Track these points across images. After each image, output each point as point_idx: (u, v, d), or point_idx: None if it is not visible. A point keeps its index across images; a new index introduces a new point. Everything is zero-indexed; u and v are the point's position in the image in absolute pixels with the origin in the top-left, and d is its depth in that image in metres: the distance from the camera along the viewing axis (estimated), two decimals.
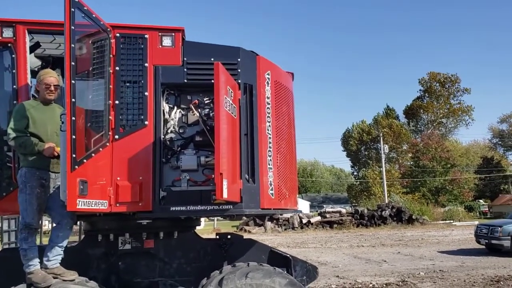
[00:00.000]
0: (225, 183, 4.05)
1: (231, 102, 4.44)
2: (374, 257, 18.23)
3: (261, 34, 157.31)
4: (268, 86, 5.18)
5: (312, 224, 38.02)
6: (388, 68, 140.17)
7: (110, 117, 4.53)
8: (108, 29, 4.61)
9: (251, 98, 4.92)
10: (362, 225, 37.16)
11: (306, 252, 20.97)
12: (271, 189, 4.99)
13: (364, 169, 68.98)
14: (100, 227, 5.26)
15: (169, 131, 4.87)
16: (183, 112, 4.95)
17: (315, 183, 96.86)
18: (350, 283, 12.19)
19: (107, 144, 4.48)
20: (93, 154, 4.28)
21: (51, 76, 4.68)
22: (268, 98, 5.16)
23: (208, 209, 4.61)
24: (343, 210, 40.71)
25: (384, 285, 11.67)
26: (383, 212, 37.81)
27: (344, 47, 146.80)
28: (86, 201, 4.11)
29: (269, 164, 5.02)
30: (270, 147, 5.06)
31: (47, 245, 4.51)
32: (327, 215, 38.88)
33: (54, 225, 4.57)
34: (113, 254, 5.29)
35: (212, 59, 4.74)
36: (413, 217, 38.02)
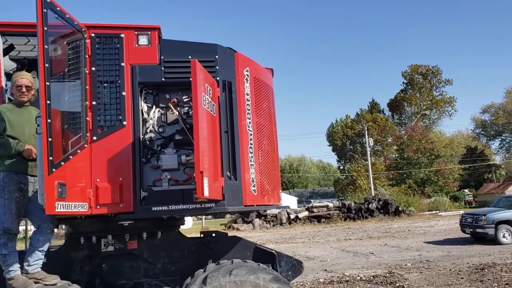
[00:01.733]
0: (205, 181, 4.02)
1: (209, 100, 4.41)
2: (362, 250, 18.36)
3: (240, 30, 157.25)
4: (247, 82, 5.16)
5: (300, 219, 38.15)
6: (373, 62, 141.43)
7: (88, 118, 4.47)
8: (83, 29, 4.55)
9: (230, 95, 4.90)
10: (349, 219, 37.39)
11: (294, 247, 21.03)
12: (253, 186, 4.98)
13: (349, 163, 69.44)
14: (82, 230, 5.20)
15: (148, 130, 4.83)
16: (162, 111, 4.90)
17: (302, 179, 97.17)
18: (338, 277, 12.26)
19: (85, 145, 4.42)
20: (70, 156, 4.22)
21: (23, 78, 4.61)
22: (247, 95, 5.14)
23: (190, 207, 4.58)
24: (331, 205, 40.89)
25: (371, 277, 11.75)
26: (370, 205, 38.09)
27: (327, 43, 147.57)
28: (65, 204, 4.05)
29: (250, 161, 5.00)
30: (251, 144, 5.05)
31: (28, 250, 4.45)
32: (315, 210, 39.02)
33: (34, 229, 4.50)
34: (96, 257, 5.24)
35: (190, 56, 4.71)
36: (400, 209, 38.34)
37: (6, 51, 5.01)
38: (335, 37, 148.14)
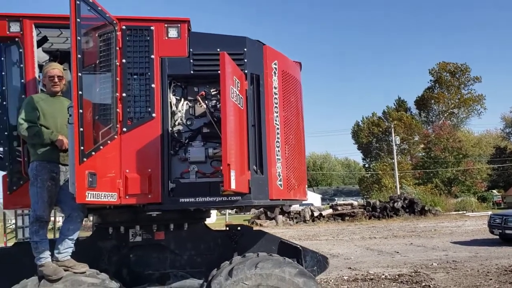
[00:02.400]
0: (232, 174, 4.04)
1: (237, 92, 4.42)
2: (387, 249, 18.16)
3: (269, 29, 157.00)
4: (275, 76, 5.14)
5: (323, 217, 37.99)
6: (400, 63, 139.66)
7: (118, 110, 4.53)
8: (114, 22, 4.60)
9: (258, 88, 4.89)
10: (374, 217, 37.04)
11: (318, 245, 20.95)
12: (280, 180, 4.97)
13: (375, 161, 68.78)
14: (111, 220, 5.28)
15: (176, 123, 4.86)
16: (190, 104, 4.93)
17: (326, 176, 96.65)
18: (362, 275, 12.15)
19: (115, 136, 4.49)
20: (101, 147, 4.29)
21: (54, 68, 4.70)
22: (275, 88, 5.12)
23: (217, 200, 4.60)
24: (355, 203, 40.60)
25: (396, 276, 11.61)
26: (395, 204, 37.63)
27: (351, 41, 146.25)
28: (95, 193, 4.12)
29: (277, 155, 5.00)
30: (278, 138, 5.04)
31: (58, 238, 4.54)
32: (339, 208, 38.79)
33: (65, 218, 4.59)
34: (124, 247, 5.32)
35: (218, 49, 4.71)
36: (426, 208, 37.77)
37: (39, 43, 5.10)
38: (361, 36, 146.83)
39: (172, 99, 4.86)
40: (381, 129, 68.55)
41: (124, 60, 4.64)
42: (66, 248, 4.47)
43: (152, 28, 4.74)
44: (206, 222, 5.84)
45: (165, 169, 4.60)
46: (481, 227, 23.27)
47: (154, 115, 4.63)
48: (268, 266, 4.43)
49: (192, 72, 4.76)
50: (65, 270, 4.39)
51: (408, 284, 10.52)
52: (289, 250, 5.54)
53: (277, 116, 5.07)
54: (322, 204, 53.93)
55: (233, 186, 4.04)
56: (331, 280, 11.51)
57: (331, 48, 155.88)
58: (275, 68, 5.16)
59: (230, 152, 4.01)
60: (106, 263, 5.30)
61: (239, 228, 5.70)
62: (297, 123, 5.57)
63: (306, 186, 5.78)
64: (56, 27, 4.96)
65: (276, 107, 5.08)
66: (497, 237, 18.53)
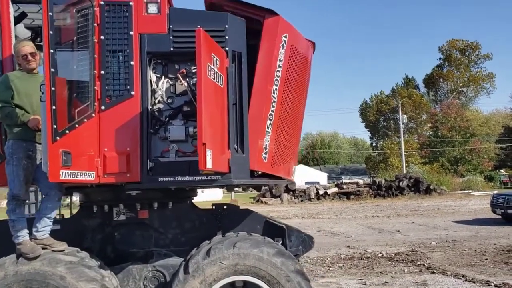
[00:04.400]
0: (209, 153, 3.98)
1: (216, 70, 4.32)
2: (388, 227, 18.19)
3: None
4: (282, 48, 5.03)
5: (328, 195, 38.09)
6: (409, 38, 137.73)
7: (96, 88, 4.45)
8: None
9: (240, 66, 4.79)
10: (379, 196, 37.08)
11: (320, 223, 21.03)
12: (265, 153, 4.90)
13: (382, 140, 68.44)
14: (95, 199, 5.27)
15: (156, 101, 4.78)
16: (171, 82, 4.84)
17: (334, 154, 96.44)
18: (360, 253, 12.20)
19: (93, 115, 4.42)
20: (77, 125, 4.23)
21: (25, 46, 4.60)
22: (280, 61, 5.01)
23: (196, 179, 4.54)
24: (361, 181, 40.63)
25: (393, 254, 11.65)
26: (401, 183, 37.59)
27: (361, 20, 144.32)
28: (71, 172, 4.09)
29: (267, 128, 4.92)
30: (272, 111, 4.95)
31: (36, 216, 4.53)
32: (344, 186, 38.83)
33: (43, 196, 4.58)
34: (108, 225, 5.31)
35: (199, 26, 4.58)
36: (431, 187, 37.71)
37: (18, 19, 5.02)
38: (369, 13, 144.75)
39: (152, 76, 4.77)
40: (389, 107, 67.93)
41: (102, 37, 4.53)
42: (44, 227, 4.45)
43: (131, 3, 4.62)
44: (193, 201, 5.83)
45: (144, 148, 4.54)
46: (485, 207, 23.16)
47: (133, 93, 4.55)
48: (246, 246, 4.40)
49: (172, 49, 4.66)
50: (43, 248, 4.38)
51: (403, 262, 10.54)
52: (274, 230, 5.51)
53: (275, 89, 4.98)
54: (328, 183, 53.91)
55: (209, 165, 3.98)
56: (327, 258, 11.56)
57: (339, 23, 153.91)
58: (284, 41, 5.05)
59: (205, 131, 3.93)
60: (91, 241, 5.30)
61: (225, 207, 5.67)
62: (297, 102, 5.46)
63: (295, 167, 5.71)
64: (34, 2, 4.87)
65: (277, 80, 4.98)
66: (499, 216, 18.48)
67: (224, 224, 5.45)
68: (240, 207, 5.93)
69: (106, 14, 4.58)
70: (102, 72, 4.51)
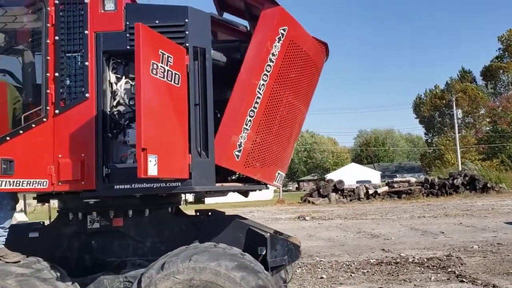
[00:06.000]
0: (152, 158, 3.65)
1: (167, 68, 3.98)
2: (432, 229, 17.22)
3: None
4: (278, 42, 4.68)
5: (379, 194, 36.95)
6: (466, 27, 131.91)
7: (48, 91, 4.24)
8: None
9: (204, 63, 4.44)
10: (432, 195, 35.55)
11: (361, 224, 20.27)
12: (238, 151, 4.53)
13: (437, 136, 65.83)
14: (69, 206, 5.09)
15: (116, 103, 4.52)
16: (131, 83, 4.56)
17: (389, 152, 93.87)
18: (392, 257, 11.50)
19: (44, 119, 4.21)
20: (21, 131, 4.04)
21: None
22: (273, 55, 4.66)
23: (154, 186, 4.25)
24: (412, 180, 39.15)
25: (425, 259, 10.86)
26: (455, 181, 35.86)
27: (411, 7, 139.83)
28: (13, 181, 3.91)
29: (246, 124, 4.55)
30: (254, 107, 4.59)
31: None
32: (395, 185, 37.53)
33: None
34: (83, 233, 5.11)
35: (157, 21, 4.31)
36: (489, 185, 35.68)
37: None
38: (421, 3, 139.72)
39: (112, 77, 4.51)
40: (444, 102, 65.14)
41: (57, 37, 4.33)
42: None
43: (87, 1, 4.39)
44: (180, 206, 5.55)
45: (99, 153, 4.29)
46: None
47: (87, 95, 4.31)
48: (203, 259, 4.03)
49: (128, 47, 4.37)
50: None
51: (433, 269, 9.79)
52: (256, 238, 5.10)
53: (263, 84, 4.62)
54: (382, 181, 52.46)
55: (152, 172, 3.66)
56: (354, 263, 10.96)
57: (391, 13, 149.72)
58: (282, 34, 4.70)
59: (146, 136, 3.60)
60: (67, 250, 5.13)
61: (209, 213, 5.34)
62: (291, 105, 5.06)
63: (280, 172, 5.27)
64: None
65: (265, 74, 4.64)
66: None
67: (204, 232, 5.12)
68: (226, 213, 5.58)
69: (61, 14, 4.37)
70: (57, 74, 4.31)
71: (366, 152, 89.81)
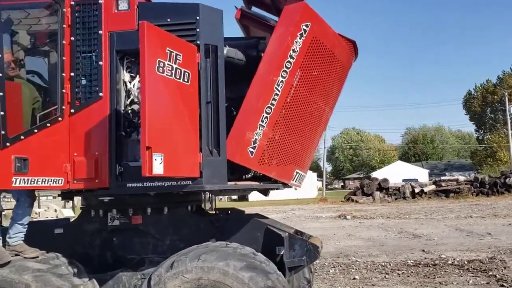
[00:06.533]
0: (157, 157, 3.64)
1: (176, 66, 3.96)
2: (479, 230, 16.55)
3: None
4: (299, 38, 4.61)
5: (425, 193, 35.93)
6: None
7: (65, 91, 4.33)
8: None
9: (216, 61, 4.40)
10: (482, 194, 34.20)
11: (404, 224, 19.75)
12: (253, 147, 4.47)
13: (489, 133, 63.31)
14: (91, 203, 5.17)
15: (130, 102, 4.55)
16: None
17: (438, 150, 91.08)
18: (431, 259, 11.12)
19: (59, 119, 4.29)
20: (35, 130, 4.13)
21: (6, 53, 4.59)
22: (293, 51, 4.60)
23: (165, 185, 4.26)
24: (461, 178, 37.86)
25: (466, 262, 10.44)
26: (507, 180, 34.33)
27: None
28: (28, 179, 4.01)
29: (262, 121, 4.50)
30: (272, 104, 4.53)
31: (10, 223, 4.52)
32: (443, 184, 36.40)
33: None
34: (104, 230, 5.19)
35: (169, 19, 4.32)
36: None
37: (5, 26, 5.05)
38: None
39: (126, 76, 4.54)
40: (496, 97, 62.52)
41: (72, 38, 4.41)
42: (16, 233, 4.42)
43: (101, 1, 4.44)
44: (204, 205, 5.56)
45: (113, 152, 4.33)
46: None
47: (101, 94, 4.36)
48: (211, 259, 4.00)
49: None
50: (16, 255, 4.35)
51: (473, 272, 9.39)
52: (274, 238, 5.02)
53: (281, 81, 4.56)
54: (430, 180, 51.02)
55: (157, 171, 3.65)
56: (390, 264, 10.67)
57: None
58: (304, 30, 4.63)
59: (151, 134, 3.60)
60: (87, 246, 5.22)
61: (229, 212, 5.31)
62: (313, 103, 4.97)
63: (299, 172, 5.16)
64: (17, 8, 4.85)
65: (285, 71, 4.57)
66: None
67: (221, 231, 5.09)
68: (246, 212, 5.53)
69: (76, 15, 4.44)
70: (72, 74, 4.39)
71: (414, 149, 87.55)
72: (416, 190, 36.15)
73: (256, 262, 4.11)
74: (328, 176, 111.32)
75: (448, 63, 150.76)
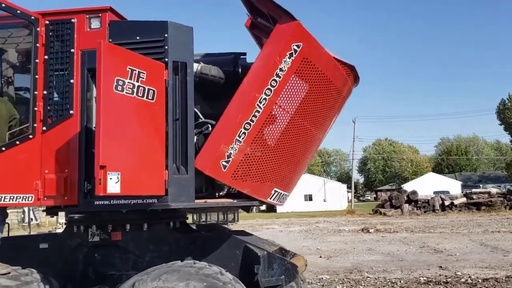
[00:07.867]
0: (114, 176, 3.62)
1: (138, 84, 3.96)
2: (504, 245, 15.94)
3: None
4: (289, 58, 4.55)
5: (455, 206, 35.00)
6: None
7: (36, 109, 4.39)
8: (33, 18, 4.45)
9: (185, 78, 4.37)
10: None
11: (427, 238, 19.23)
12: (226, 161, 4.38)
13: None
14: (73, 218, 5.22)
15: None
16: None
17: (472, 161, 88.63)
18: (445, 276, 10.77)
19: (30, 136, 4.35)
20: (3, 149, 4.19)
21: None
22: (281, 70, 4.53)
23: (131, 203, 4.24)
24: (493, 191, 36.68)
25: (480, 280, 10.05)
26: None
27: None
28: None
29: (238, 136, 4.43)
30: (251, 121, 4.46)
31: None
32: (474, 196, 35.44)
33: None
34: (85, 246, 5.21)
35: (138, 37, 4.33)
36: None
37: None
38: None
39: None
40: None
41: (46, 57, 4.47)
42: None
43: (73, 20, 4.50)
44: (187, 221, 5.52)
45: (82, 169, 4.35)
46: None
47: (72, 112, 4.40)
48: (172, 279, 3.93)
49: None
50: None
51: None
52: (252, 257, 4.93)
53: (264, 98, 4.49)
54: (462, 192, 49.64)
55: (113, 190, 3.63)
56: (401, 281, 10.37)
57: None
58: (295, 50, 4.56)
59: (105, 152, 3.59)
60: (70, 262, 5.25)
61: (210, 230, 5.26)
62: (300, 126, 4.87)
63: (281, 192, 5.05)
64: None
65: (269, 89, 4.50)
66: None
67: (199, 249, 5.04)
68: (231, 229, 5.47)
69: (50, 34, 4.51)
70: (45, 92, 4.44)
71: (447, 161, 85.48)
72: (446, 203, 35.29)
73: (218, 283, 4.03)
74: (360, 187, 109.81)
75: (483, 72, 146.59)
